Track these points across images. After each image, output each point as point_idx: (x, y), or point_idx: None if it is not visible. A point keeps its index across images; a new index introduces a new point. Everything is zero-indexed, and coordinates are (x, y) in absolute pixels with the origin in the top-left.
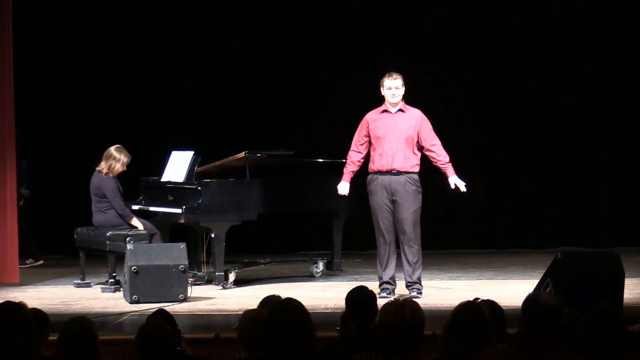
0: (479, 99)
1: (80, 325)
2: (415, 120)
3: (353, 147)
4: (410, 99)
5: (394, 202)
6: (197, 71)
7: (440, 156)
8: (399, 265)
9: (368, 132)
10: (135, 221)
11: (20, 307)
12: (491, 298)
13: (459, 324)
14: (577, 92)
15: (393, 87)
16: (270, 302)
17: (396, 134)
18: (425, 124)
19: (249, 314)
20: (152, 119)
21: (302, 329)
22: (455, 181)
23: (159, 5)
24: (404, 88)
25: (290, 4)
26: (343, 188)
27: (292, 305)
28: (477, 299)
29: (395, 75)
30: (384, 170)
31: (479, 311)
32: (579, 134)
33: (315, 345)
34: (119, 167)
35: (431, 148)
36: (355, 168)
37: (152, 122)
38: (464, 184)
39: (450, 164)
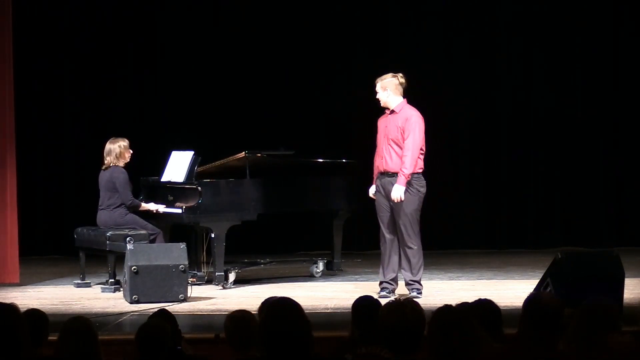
0: (479, 98)
1: (80, 325)
2: (402, 122)
3: (377, 149)
4: (411, 99)
5: (389, 202)
6: (197, 71)
7: (401, 162)
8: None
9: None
10: (145, 205)
11: (11, 308)
12: (491, 298)
13: (438, 330)
14: (577, 92)
15: (375, 91)
16: (268, 302)
17: (386, 136)
18: (409, 127)
19: (232, 316)
20: (152, 119)
21: (298, 328)
22: (393, 189)
23: (158, 5)
24: (385, 92)
25: (291, 4)
26: (371, 190)
27: (288, 304)
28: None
29: (377, 80)
30: (380, 171)
31: (456, 315)
32: (579, 133)
33: (312, 344)
34: (125, 152)
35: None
36: None
37: (152, 122)
38: (396, 197)
39: (402, 172)
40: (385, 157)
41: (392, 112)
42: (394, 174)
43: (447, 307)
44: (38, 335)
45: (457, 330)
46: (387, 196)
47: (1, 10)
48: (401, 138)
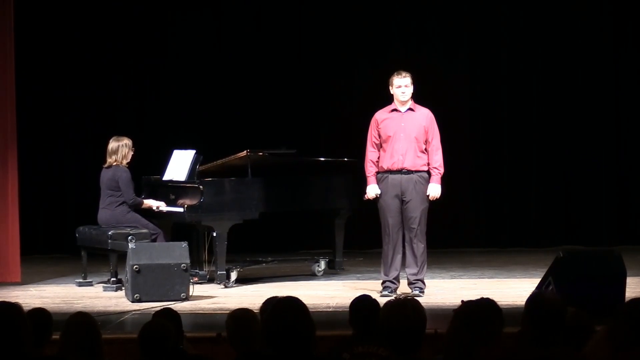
0: (481, 98)
1: (83, 320)
2: (425, 120)
3: (369, 147)
4: (412, 97)
5: (403, 201)
6: (199, 69)
7: (433, 160)
8: (403, 265)
9: (379, 132)
10: (147, 202)
11: (15, 307)
12: (492, 297)
13: (465, 322)
14: (577, 92)
15: (402, 85)
16: (271, 301)
17: (406, 133)
18: (433, 125)
19: (234, 314)
20: (154, 117)
21: (302, 327)
22: (430, 188)
23: (160, 5)
24: (413, 86)
25: (292, 4)
26: (374, 190)
27: (293, 303)
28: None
29: (404, 74)
30: (395, 169)
31: (485, 309)
32: (580, 132)
33: (315, 344)
34: (128, 151)
35: (429, 149)
36: (377, 168)
37: (154, 121)
38: (437, 195)
39: (438, 170)
40: (406, 155)
41: (409, 109)
42: (412, 172)
43: (471, 304)
44: (42, 334)
45: (481, 328)
46: (403, 195)
47: (3, 10)
48: (425, 136)
